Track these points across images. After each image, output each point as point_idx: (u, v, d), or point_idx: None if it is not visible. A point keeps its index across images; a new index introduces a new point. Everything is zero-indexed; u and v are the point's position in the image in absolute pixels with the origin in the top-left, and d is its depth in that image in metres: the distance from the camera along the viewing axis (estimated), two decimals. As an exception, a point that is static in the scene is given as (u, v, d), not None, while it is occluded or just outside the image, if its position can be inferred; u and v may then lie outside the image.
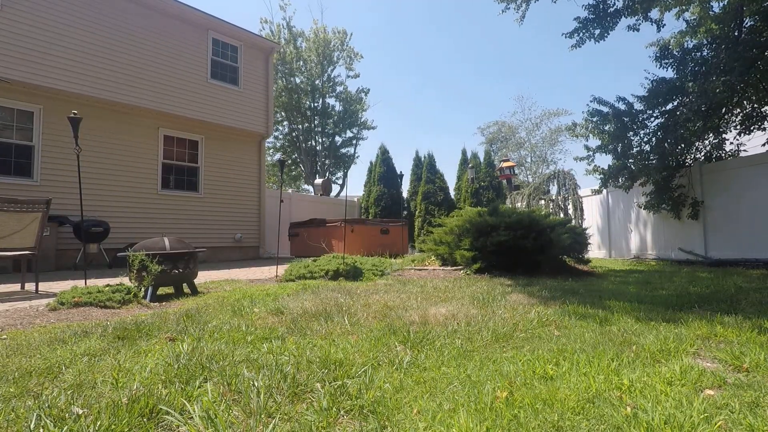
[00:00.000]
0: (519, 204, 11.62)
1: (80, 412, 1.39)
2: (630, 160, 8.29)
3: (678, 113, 7.49)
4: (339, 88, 22.50)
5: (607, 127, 8.19)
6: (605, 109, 8.20)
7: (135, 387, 1.58)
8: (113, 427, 1.29)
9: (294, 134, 22.50)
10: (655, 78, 7.89)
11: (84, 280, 4.40)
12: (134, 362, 1.92)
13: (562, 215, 10.41)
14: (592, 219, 10.52)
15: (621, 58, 42.46)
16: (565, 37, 7.28)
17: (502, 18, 7.93)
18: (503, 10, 7.49)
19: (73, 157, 4.89)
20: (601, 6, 6.90)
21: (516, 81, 44.77)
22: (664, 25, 7.52)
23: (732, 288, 4.12)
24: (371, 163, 15.87)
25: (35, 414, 1.36)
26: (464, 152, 15.75)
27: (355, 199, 16.20)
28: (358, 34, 38.15)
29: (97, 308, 3.42)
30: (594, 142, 8.62)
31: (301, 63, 21.34)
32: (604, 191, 10.00)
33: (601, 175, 8.72)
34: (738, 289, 4.07)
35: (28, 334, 2.51)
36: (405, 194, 15.86)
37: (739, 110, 7.93)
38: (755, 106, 7.77)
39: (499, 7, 7.46)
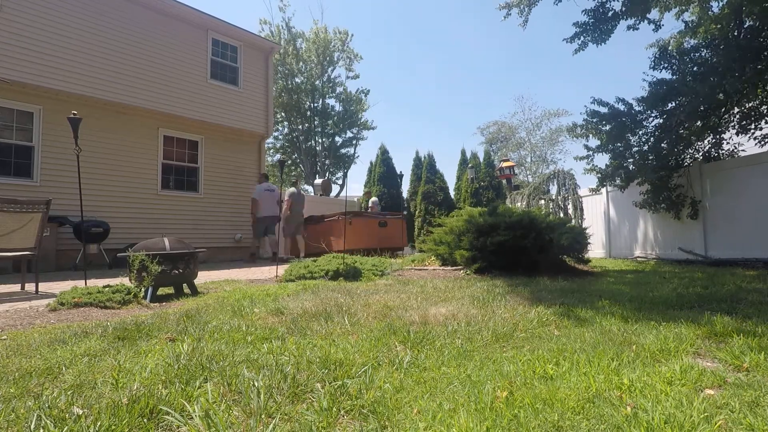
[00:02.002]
0: (519, 204, 11.61)
1: (80, 412, 1.39)
2: (629, 160, 8.30)
3: (676, 114, 7.49)
4: (339, 89, 22.52)
5: (606, 128, 8.19)
6: (604, 110, 8.20)
7: (135, 387, 1.58)
8: (113, 427, 1.29)
9: (294, 134, 22.51)
10: (654, 79, 7.89)
11: (84, 281, 4.40)
12: (134, 362, 1.92)
13: (562, 215, 10.40)
14: (591, 219, 10.51)
15: (622, 58, 42.47)
16: (567, 42, 7.31)
17: (502, 15, 7.92)
18: (505, 16, 7.52)
19: (73, 157, 4.89)
20: (600, 10, 6.92)
21: (517, 80, 44.80)
22: (662, 25, 7.54)
23: (732, 288, 4.12)
24: (371, 163, 15.89)
25: (35, 414, 1.36)
26: (464, 152, 15.77)
27: (355, 199, 16.20)
28: (357, 33, 38.20)
29: (97, 308, 3.42)
30: (594, 142, 8.63)
31: (302, 64, 21.35)
32: (604, 191, 10.00)
33: (599, 175, 8.73)
34: (738, 288, 4.07)
35: (29, 334, 2.51)
36: (405, 194, 15.87)
37: (737, 110, 7.93)
38: (755, 104, 7.77)
39: (501, 14, 7.50)
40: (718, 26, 7.46)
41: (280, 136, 22.79)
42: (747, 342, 2.18)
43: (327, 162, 23.06)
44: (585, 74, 42.35)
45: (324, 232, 9.82)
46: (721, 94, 6.67)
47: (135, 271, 3.82)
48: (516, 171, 18.58)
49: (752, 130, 7.79)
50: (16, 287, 4.81)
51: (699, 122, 7.38)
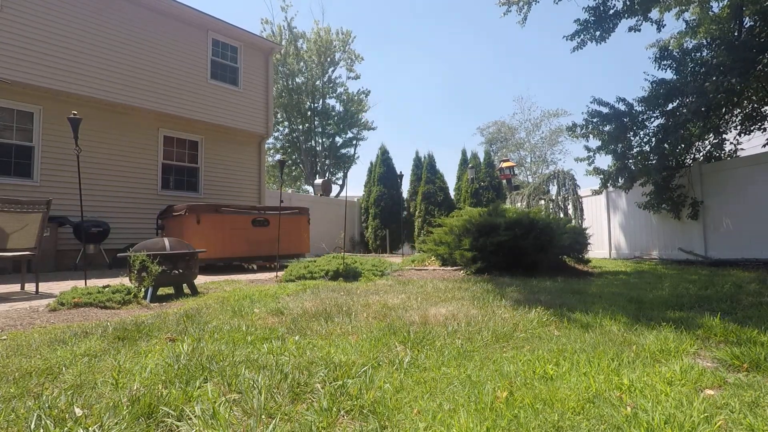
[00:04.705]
0: (519, 204, 11.62)
1: (80, 412, 1.39)
2: (630, 161, 8.30)
3: (678, 114, 7.49)
4: (340, 89, 22.54)
5: (607, 128, 8.19)
6: (605, 110, 8.20)
7: (135, 387, 1.58)
8: (113, 427, 1.29)
9: (294, 135, 22.52)
10: (655, 79, 7.89)
11: (84, 281, 4.40)
12: (134, 363, 1.92)
13: (562, 215, 10.40)
14: (592, 219, 10.52)
15: (622, 59, 42.50)
16: (567, 39, 7.31)
17: (503, 17, 7.99)
18: (505, 13, 7.53)
19: (73, 157, 4.90)
20: (601, 8, 6.93)
21: (517, 80, 44.83)
22: (665, 25, 7.55)
23: (732, 288, 4.12)
24: (371, 163, 15.86)
25: (35, 414, 1.36)
26: (464, 152, 15.75)
27: (355, 200, 16.20)
28: (357, 33, 38.19)
29: (97, 309, 3.42)
30: (594, 142, 8.63)
31: (302, 64, 21.36)
32: (605, 191, 10.00)
33: (601, 176, 8.73)
34: (738, 289, 4.07)
35: (29, 334, 2.51)
36: (405, 194, 15.84)
37: (739, 110, 7.93)
38: (755, 106, 7.77)
39: (500, 10, 7.52)
40: (719, 26, 7.46)
41: (281, 136, 22.80)
42: (747, 342, 2.18)
43: (327, 162, 23.08)
44: (585, 75, 42.39)
45: (176, 231, 7.20)
46: (722, 94, 6.67)
47: (135, 271, 3.82)
48: (516, 171, 18.58)
49: (754, 131, 7.79)
50: (16, 287, 4.81)
51: (700, 123, 7.39)
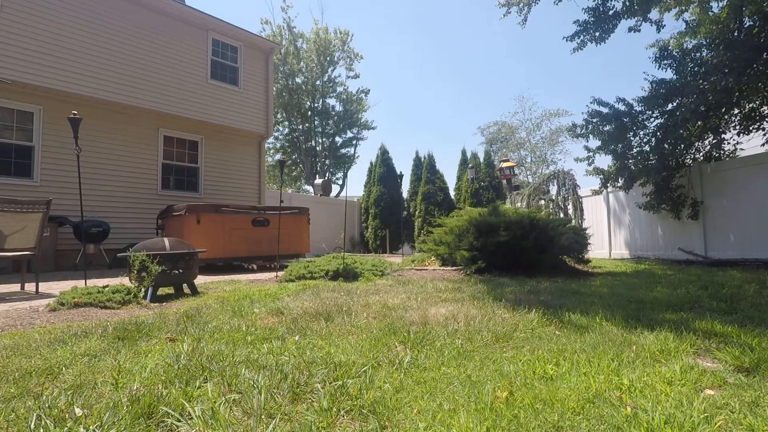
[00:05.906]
0: (519, 204, 11.61)
1: (80, 412, 1.39)
2: (630, 161, 8.30)
3: (678, 114, 7.49)
4: (339, 89, 22.55)
5: (606, 128, 8.18)
6: (605, 110, 8.20)
7: (135, 387, 1.58)
8: (113, 427, 1.29)
9: (294, 134, 22.53)
10: (654, 79, 7.89)
11: (84, 281, 4.40)
12: (134, 363, 1.92)
13: (562, 215, 10.40)
14: (592, 219, 10.52)
15: (623, 60, 42.50)
16: (566, 40, 7.31)
17: (503, 18, 8.04)
18: (505, 14, 7.54)
19: (73, 157, 4.91)
20: (601, 9, 6.93)
21: (518, 79, 44.83)
22: (664, 25, 7.55)
23: (732, 288, 4.12)
24: (371, 163, 15.87)
25: (35, 414, 1.36)
26: (464, 152, 15.76)
27: (355, 200, 16.21)
28: (357, 33, 38.21)
29: (97, 309, 3.42)
30: (594, 142, 8.63)
31: (302, 64, 21.38)
32: (605, 191, 10.00)
33: (601, 176, 8.73)
34: (738, 289, 4.07)
35: (29, 334, 2.51)
36: (405, 194, 15.84)
37: (738, 110, 7.93)
38: (755, 106, 7.76)
39: (500, 11, 7.52)
40: (718, 26, 7.46)
41: (281, 136, 22.81)
42: (747, 342, 2.18)
43: (327, 162, 23.09)
44: (584, 77, 42.39)
45: (176, 231, 7.15)
46: (722, 94, 6.67)
47: (135, 271, 3.82)
48: (516, 171, 18.59)
49: (754, 131, 7.79)
50: (16, 287, 4.81)
51: (699, 123, 7.38)
